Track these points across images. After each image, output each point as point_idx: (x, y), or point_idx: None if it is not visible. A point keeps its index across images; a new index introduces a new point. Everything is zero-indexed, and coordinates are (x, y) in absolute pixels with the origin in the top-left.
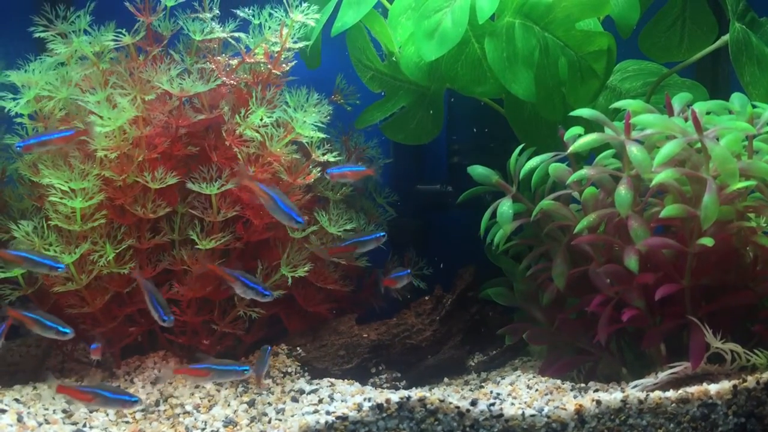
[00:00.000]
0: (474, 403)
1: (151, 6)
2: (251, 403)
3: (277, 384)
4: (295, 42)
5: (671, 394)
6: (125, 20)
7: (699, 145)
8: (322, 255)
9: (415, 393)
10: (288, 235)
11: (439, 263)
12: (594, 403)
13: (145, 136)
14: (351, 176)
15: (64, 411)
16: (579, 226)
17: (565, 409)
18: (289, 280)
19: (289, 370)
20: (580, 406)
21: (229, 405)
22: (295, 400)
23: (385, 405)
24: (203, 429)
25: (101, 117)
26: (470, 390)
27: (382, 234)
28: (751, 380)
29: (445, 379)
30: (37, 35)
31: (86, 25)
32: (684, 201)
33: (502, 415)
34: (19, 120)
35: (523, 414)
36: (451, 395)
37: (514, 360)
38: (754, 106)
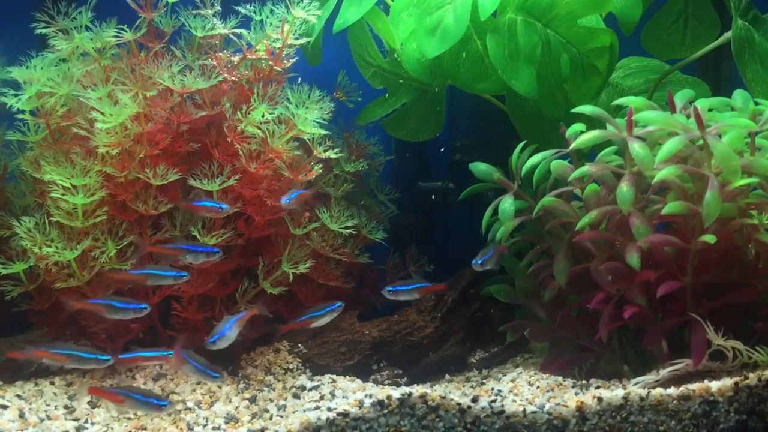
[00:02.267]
0: (475, 399)
1: (152, 2)
2: (253, 400)
3: (279, 380)
4: (297, 38)
5: (673, 391)
6: (127, 17)
7: (701, 142)
8: None
9: (417, 390)
10: (289, 232)
11: (440, 260)
12: (595, 400)
13: (146, 133)
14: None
15: (65, 407)
16: (581, 223)
17: (566, 406)
18: (290, 276)
19: (291, 366)
20: (582, 403)
21: (230, 401)
22: (296, 396)
23: (386, 401)
24: (205, 425)
25: (102, 113)
26: (471, 387)
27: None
28: (752, 377)
29: (447, 376)
30: (38, 31)
31: (88, 21)
32: (686, 198)
33: (503, 411)
34: (20, 116)
35: (524, 411)
36: (452, 392)
37: (515, 357)
38: (756, 103)
